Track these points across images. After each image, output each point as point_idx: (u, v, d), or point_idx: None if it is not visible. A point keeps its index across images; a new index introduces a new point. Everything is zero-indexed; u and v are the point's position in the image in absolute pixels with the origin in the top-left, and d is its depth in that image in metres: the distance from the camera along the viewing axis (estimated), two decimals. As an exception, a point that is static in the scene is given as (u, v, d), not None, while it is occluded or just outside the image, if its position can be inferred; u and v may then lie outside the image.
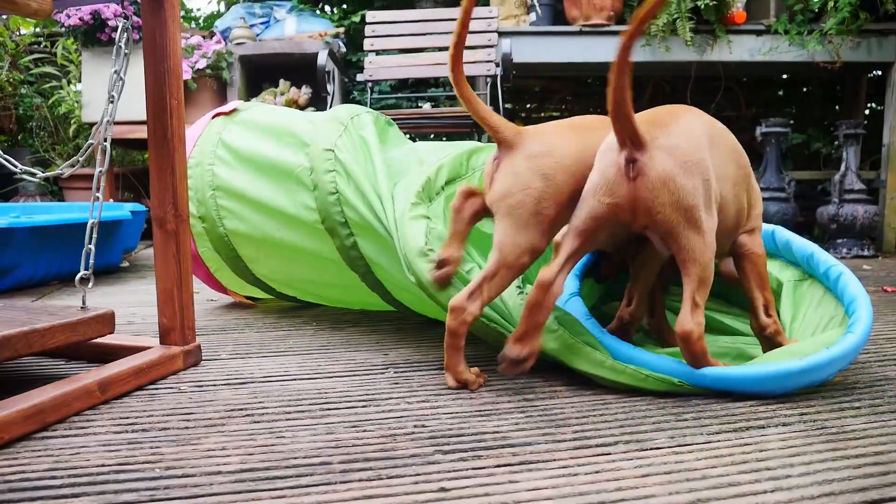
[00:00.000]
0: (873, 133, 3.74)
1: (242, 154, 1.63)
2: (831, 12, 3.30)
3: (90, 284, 1.26)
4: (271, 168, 1.57)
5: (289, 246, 1.59)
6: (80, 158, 1.34)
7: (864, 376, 1.21)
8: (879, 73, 3.97)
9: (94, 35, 3.65)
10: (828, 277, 1.30)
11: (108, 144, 1.31)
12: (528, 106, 4.60)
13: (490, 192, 1.12)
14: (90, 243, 1.27)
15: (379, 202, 1.35)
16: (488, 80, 3.18)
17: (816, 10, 3.36)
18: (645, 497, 0.75)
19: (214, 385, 1.17)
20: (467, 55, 3.27)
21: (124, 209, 2.63)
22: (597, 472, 0.81)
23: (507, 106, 4.51)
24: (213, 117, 1.74)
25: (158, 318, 1.28)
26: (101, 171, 1.27)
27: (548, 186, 1.08)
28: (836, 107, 4.49)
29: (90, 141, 1.33)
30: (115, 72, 1.31)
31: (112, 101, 1.31)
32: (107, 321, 1.23)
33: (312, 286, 1.78)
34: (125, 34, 1.30)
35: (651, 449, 0.88)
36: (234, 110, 1.74)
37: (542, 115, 4.57)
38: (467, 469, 0.82)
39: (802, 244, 1.37)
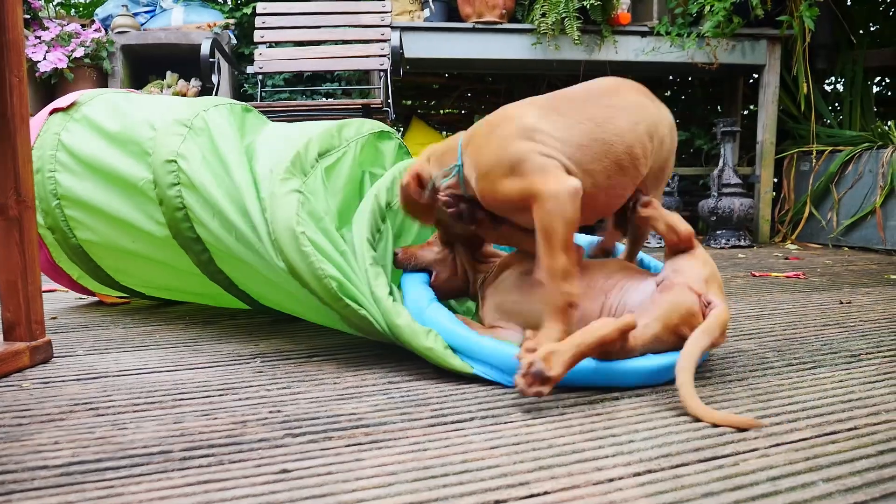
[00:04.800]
0: (752, 132, 3.97)
1: (86, 161, 1.47)
2: (708, 16, 3.48)
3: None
4: (116, 179, 1.43)
5: (149, 258, 1.49)
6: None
7: (720, 350, 1.27)
8: (756, 76, 4.22)
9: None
10: None
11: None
12: (426, 102, 4.60)
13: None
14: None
15: (231, 205, 1.25)
16: (381, 74, 3.16)
17: (695, 14, 3.53)
18: (489, 467, 0.75)
19: (62, 381, 1.09)
20: (360, 49, 3.24)
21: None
22: (446, 446, 0.81)
23: (406, 102, 4.50)
24: (51, 113, 1.54)
25: (2, 312, 1.18)
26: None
27: None
28: (719, 107, 4.73)
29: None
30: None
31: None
32: (-58, 317, 1.14)
33: (182, 294, 1.70)
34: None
35: (504, 423, 0.89)
36: (73, 104, 1.55)
37: (441, 111, 4.59)
38: (315, 450, 0.80)
39: None
